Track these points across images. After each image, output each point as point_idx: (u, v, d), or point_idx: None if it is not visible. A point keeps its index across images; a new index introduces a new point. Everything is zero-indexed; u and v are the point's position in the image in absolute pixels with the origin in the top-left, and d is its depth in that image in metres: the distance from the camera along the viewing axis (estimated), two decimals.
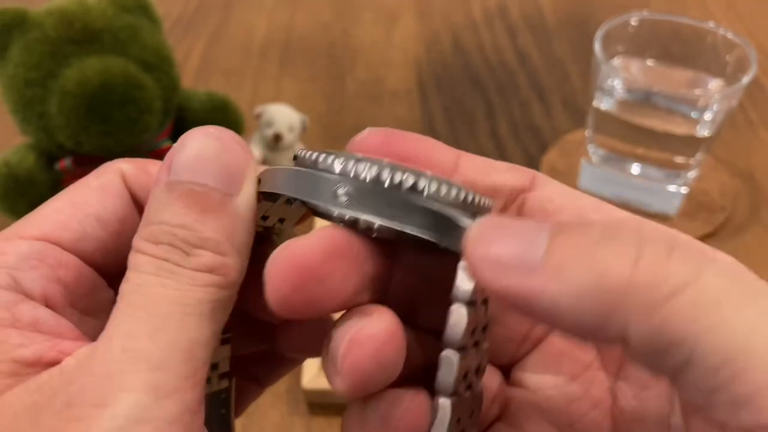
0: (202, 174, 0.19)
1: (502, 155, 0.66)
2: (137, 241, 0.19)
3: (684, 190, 0.60)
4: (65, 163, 0.50)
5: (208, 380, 0.25)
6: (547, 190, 0.22)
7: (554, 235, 0.16)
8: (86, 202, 0.22)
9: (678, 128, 0.56)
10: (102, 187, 0.22)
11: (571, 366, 0.22)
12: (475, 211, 0.19)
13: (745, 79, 0.53)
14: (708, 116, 0.55)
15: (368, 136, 0.21)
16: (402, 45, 0.82)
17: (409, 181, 0.18)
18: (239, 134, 0.64)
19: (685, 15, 0.60)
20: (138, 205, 0.23)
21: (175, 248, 0.19)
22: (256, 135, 0.65)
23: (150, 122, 0.49)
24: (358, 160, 0.19)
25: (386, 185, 0.18)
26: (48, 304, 0.20)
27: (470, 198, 0.19)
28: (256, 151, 0.64)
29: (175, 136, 0.54)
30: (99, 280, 0.22)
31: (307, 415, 0.48)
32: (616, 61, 0.60)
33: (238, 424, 0.26)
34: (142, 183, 0.23)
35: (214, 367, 0.25)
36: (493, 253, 0.16)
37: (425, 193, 0.18)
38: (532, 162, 0.65)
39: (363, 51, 0.81)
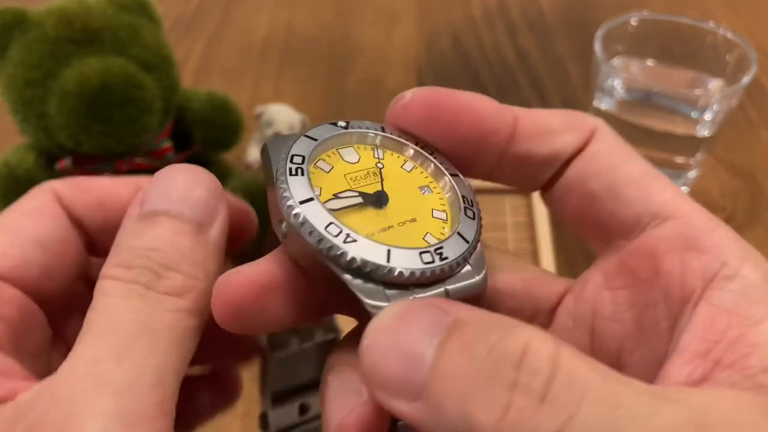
0: (177, 204, 0.20)
1: None
2: (107, 269, 0.19)
3: (684, 189, 0.60)
4: (65, 163, 0.50)
5: (313, 334, 0.26)
6: (595, 148, 0.21)
7: (437, 360, 0.15)
8: (22, 227, 0.21)
9: (678, 128, 0.56)
10: (36, 209, 0.22)
11: None
12: (405, 283, 0.19)
13: (745, 79, 0.53)
14: (708, 116, 0.55)
15: (413, 100, 0.21)
16: (402, 45, 0.82)
17: (334, 251, 0.18)
18: (239, 134, 0.64)
19: (684, 15, 0.60)
20: (77, 225, 0.22)
21: (146, 270, 0.18)
22: (256, 135, 0.64)
23: (150, 122, 0.49)
24: (305, 203, 0.19)
25: (309, 242, 0.18)
26: None
27: (404, 274, 0.18)
28: (256, 151, 0.64)
29: (175, 136, 0.54)
30: (40, 317, 0.21)
31: None
32: (616, 61, 0.60)
33: (234, 427, 0.27)
34: (79, 200, 0.22)
35: (319, 321, 0.26)
36: (380, 374, 0.16)
37: (346, 267, 0.18)
38: None
39: (363, 51, 0.81)
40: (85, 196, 0.23)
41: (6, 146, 0.52)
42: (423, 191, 0.21)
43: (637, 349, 0.20)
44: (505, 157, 0.21)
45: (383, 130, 0.22)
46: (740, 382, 0.17)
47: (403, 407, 0.15)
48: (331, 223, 0.19)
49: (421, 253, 0.19)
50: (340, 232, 0.18)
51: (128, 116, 0.47)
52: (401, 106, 0.21)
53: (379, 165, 0.21)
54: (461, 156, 0.21)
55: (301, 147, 0.21)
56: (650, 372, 0.19)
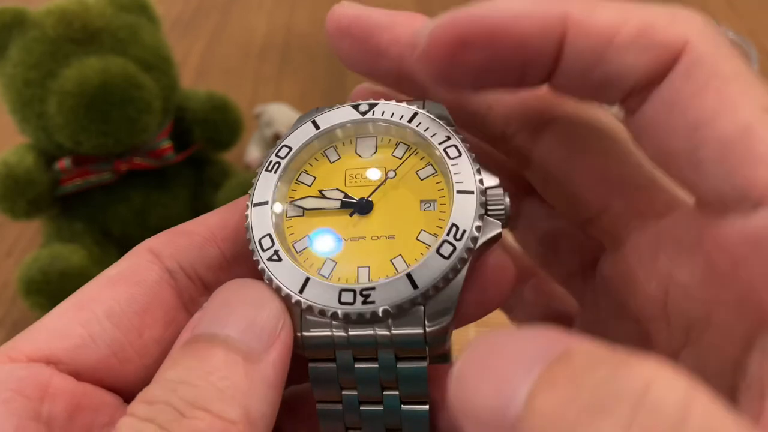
0: (224, 327, 0.16)
1: None
2: (131, 405, 0.16)
3: None
4: (64, 163, 0.50)
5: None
6: (679, 87, 0.15)
7: (537, 390, 0.13)
8: (94, 299, 0.18)
9: None
10: (118, 275, 0.18)
11: None
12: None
13: None
14: None
15: (431, 43, 0.16)
16: None
17: (258, 265, 0.18)
18: (239, 134, 0.63)
19: None
20: (186, 279, 0.19)
21: (168, 407, 0.15)
22: (255, 135, 0.64)
23: (149, 122, 0.49)
24: (259, 206, 0.19)
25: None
26: None
27: (313, 309, 0.17)
28: (256, 151, 0.64)
29: (174, 136, 0.53)
30: (110, 407, 0.18)
31: None
32: None
33: None
34: (181, 248, 0.19)
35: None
36: (469, 402, 0.14)
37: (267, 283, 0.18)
38: None
39: None
40: (187, 240, 0.19)
41: (5, 146, 0.52)
42: (425, 206, 0.19)
43: (702, 340, 0.17)
44: (555, 76, 0.17)
45: (423, 106, 0.19)
46: None
47: None
48: (267, 234, 0.18)
49: (342, 290, 0.17)
50: (271, 247, 0.18)
51: (127, 116, 0.47)
52: (417, 58, 0.17)
53: (390, 174, 0.19)
54: (507, 84, 0.17)
55: (297, 136, 0.20)
56: (713, 371, 0.16)
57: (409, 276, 0.17)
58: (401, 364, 0.17)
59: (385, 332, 0.17)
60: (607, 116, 0.20)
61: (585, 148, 0.20)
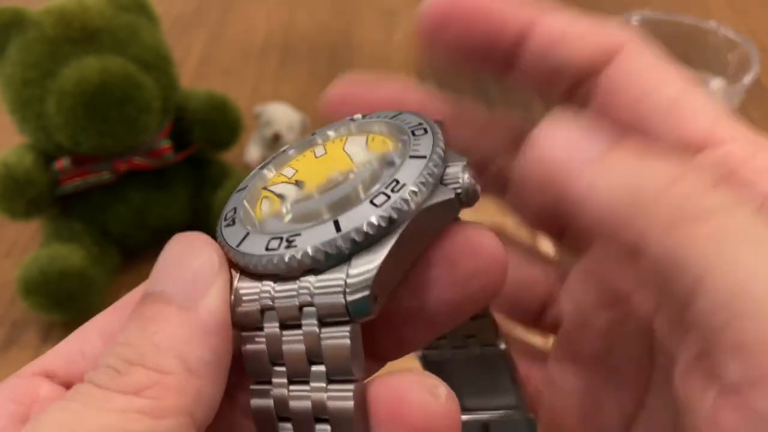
0: (158, 281, 0.17)
1: None
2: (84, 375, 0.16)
3: None
4: (63, 163, 0.50)
5: (467, 345, 0.24)
6: (622, 71, 0.19)
7: (608, 151, 0.17)
8: (93, 322, 0.18)
9: None
10: (120, 302, 0.18)
11: None
12: (247, 272, 0.17)
13: (747, 79, 0.53)
14: None
15: (428, 16, 0.20)
16: (402, 45, 0.82)
17: (218, 234, 0.18)
18: (238, 133, 0.63)
19: (686, 14, 0.59)
20: None
21: (109, 369, 0.15)
22: (255, 135, 0.64)
23: (148, 122, 0.49)
24: (239, 191, 0.19)
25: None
26: None
27: (240, 261, 0.17)
28: (255, 150, 0.64)
29: (174, 136, 0.53)
30: None
31: None
32: None
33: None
34: None
35: (469, 336, 0.23)
36: (549, 148, 0.18)
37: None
38: None
39: (363, 50, 0.81)
40: None
41: (5, 146, 0.52)
42: None
43: None
44: (517, 63, 0.20)
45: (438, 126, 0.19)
46: None
47: (561, 163, 0.17)
48: (233, 208, 0.19)
49: (271, 239, 0.17)
50: (232, 215, 0.18)
51: (127, 116, 0.47)
52: (426, 26, 0.20)
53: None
54: (474, 60, 0.21)
55: (299, 141, 0.21)
56: None
57: (335, 222, 0.16)
58: (324, 329, 0.16)
59: (306, 293, 0.16)
60: None
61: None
